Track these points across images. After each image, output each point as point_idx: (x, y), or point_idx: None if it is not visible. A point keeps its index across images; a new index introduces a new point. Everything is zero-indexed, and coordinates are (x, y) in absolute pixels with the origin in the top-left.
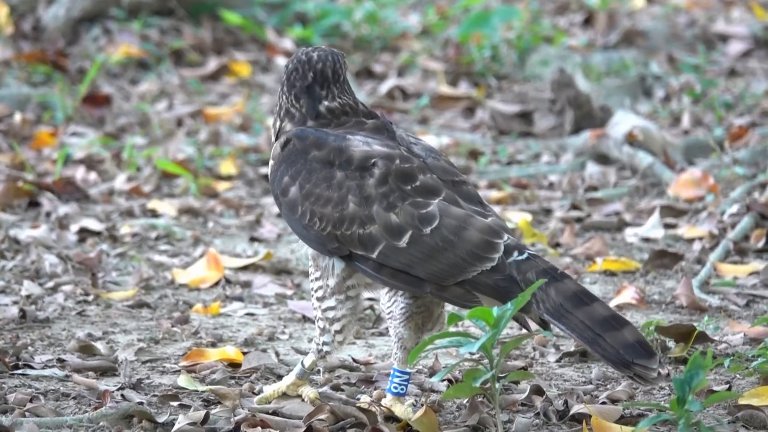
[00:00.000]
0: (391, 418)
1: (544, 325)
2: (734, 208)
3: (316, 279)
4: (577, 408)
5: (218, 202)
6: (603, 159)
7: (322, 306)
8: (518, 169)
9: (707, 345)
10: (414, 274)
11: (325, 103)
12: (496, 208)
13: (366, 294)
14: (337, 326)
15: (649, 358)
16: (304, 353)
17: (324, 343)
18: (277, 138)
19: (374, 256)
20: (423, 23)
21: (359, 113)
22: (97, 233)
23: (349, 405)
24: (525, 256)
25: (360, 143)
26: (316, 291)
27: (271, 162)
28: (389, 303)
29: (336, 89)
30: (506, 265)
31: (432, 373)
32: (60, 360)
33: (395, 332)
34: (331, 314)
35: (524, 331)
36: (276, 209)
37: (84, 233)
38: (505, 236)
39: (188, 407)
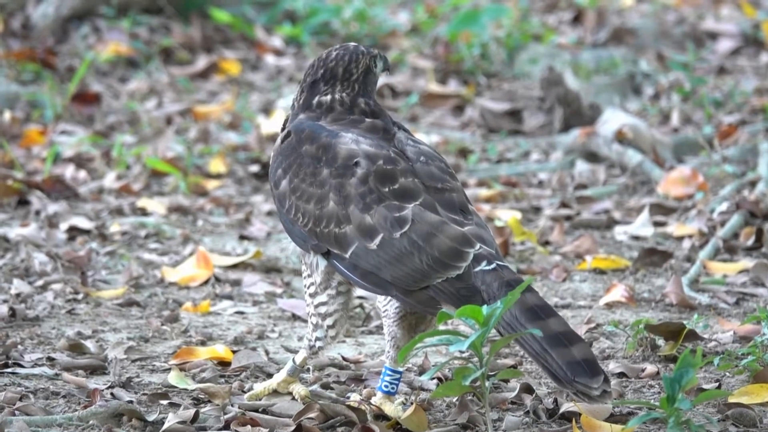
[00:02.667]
0: (380, 416)
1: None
2: (724, 206)
3: (308, 276)
4: (566, 406)
5: (208, 200)
6: (592, 157)
7: (314, 302)
8: (508, 168)
9: (697, 343)
10: (382, 276)
11: (318, 97)
12: (486, 207)
13: (357, 291)
14: (329, 321)
15: (592, 377)
16: (294, 351)
17: (317, 339)
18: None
19: (347, 256)
20: (412, 21)
21: (355, 110)
22: (87, 231)
23: (339, 403)
24: (492, 266)
25: (349, 141)
26: (308, 288)
27: (272, 154)
28: (385, 301)
29: (340, 86)
30: (471, 275)
31: (422, 371)
32: (50, 358)
33: (389, 331)
34: (323, 309)
35: None
36: (265, 207)
37: (73, 232)
38: (478, 245)
39: (178, 406)
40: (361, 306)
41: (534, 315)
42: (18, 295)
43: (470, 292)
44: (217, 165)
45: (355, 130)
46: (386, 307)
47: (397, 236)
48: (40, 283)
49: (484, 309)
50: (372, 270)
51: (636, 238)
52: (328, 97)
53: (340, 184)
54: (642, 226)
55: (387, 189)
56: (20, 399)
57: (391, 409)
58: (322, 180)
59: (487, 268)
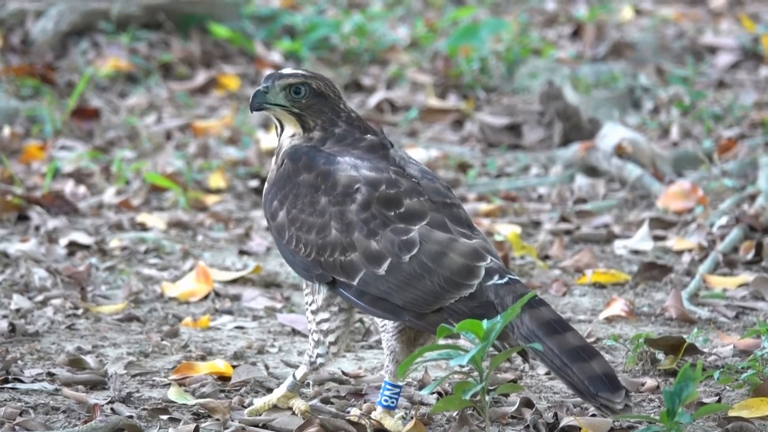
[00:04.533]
0: (380, 431)
1: (523, 354)
2: (723, 220)
3: (309, 293)
4: (566, 420)
5: (207, 215)
6: (592, 171)
7: (316, 319)
8: (507, 182)
9: (697, 357)
10: (393, 301)
11: (312, 121)
12: (485, 221)
13: None
14: (331, 338)
15: (614, 391)
16: (294, 366)
17: (318, 356)
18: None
19: (355, 283)
20: (411, 36)
21: (352, 128)
22: (86, 247)
23: (339, 418)
24: (505, 280)
25: (348, 167)
26: (310, 305)
27: (266, 184)
28: None
29: (330, 108)
30: (484, 291)
31: (422, 385)
32: (50, 374)
33: (388, 345)
34: (325, 326)
35: None
36: (264, 222)
37: (73, 247)
38: (489, 258)
39: (178, 420)
40: (360, 320)
41: (551, 329)
42: (18, 310)
43: (484, 309)
44: (216, 180)
45: (354, 152)
46: (384, 322)
47: (406, 260)
48: (39, 298)
49: (484, 323)
50: (382, 296)
51: (636, 252)
52: (321, 121)
53: (341, 212)
54: (642, 240)
55: (393, 213)
56: (20, 414)
57: (391, 423)
58: (321, 209)
59: (500, 282)
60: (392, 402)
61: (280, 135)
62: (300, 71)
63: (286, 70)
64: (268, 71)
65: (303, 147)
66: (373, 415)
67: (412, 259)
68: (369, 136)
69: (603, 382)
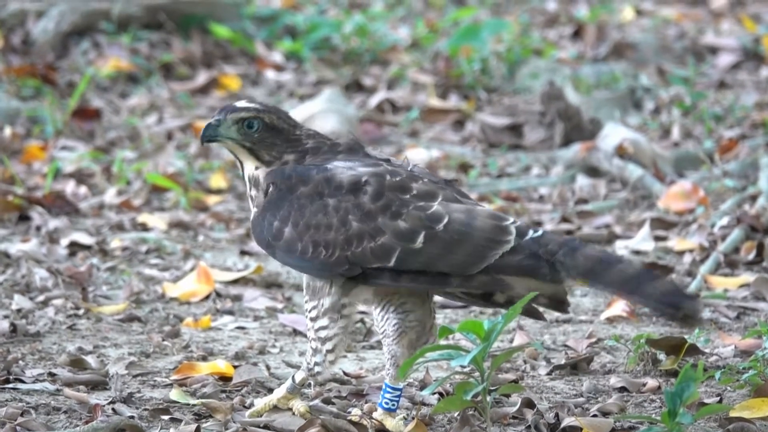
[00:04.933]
0: (382, 431)
1: (560, 307)
2: (724, 221)
3: (310, 300)
4: (568, 421)
5: (208, 215)
6: (593, 171)
7: (315, 326)
8: (508, 182)
9: (698, 357)
10: (436, 270)
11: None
12: None
13: (359, 309)
14: (329, 345)
15: (694, 299)
16: (295, 366)
17: (316, 364)
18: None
19: (391, 264)
20: (413, 36)
21: (324, 139)
22: (88, 247)
23: (340, 418)
24: (540, 233)
25: (344, 169)
26: (309, 311)
27: (254, 210)
28: (382, 322)
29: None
30: (524, 245)
31: (423, 386)
32: (51, 374)
33: (389, 349)
34: (323, 333)
35: (521, 341)
36: None
37: (74, 247)
38: (510, 218)
39: (179, 421)
40: (362, 321)
41: (607, 262)
42: (19, 310)
43: (532, 260)
44: (217, 180)
45: (338, 157)
46: (384, 326)
47: (440, 228)
48: (41, 298)
49: (485, 323)
50: (423, 268)
51: (637, 252)
52: (276, 152)
53: (356, 205)
54: (643, 240)
55: (408, 196)
56: (21, 415)
57: (392, 424)
58: (334, 208)
59: (537, 234)
60: (393, 404)
61: (243, 168)
62: (253, 105)
63: (240, 103)
64: (269, 71)
65: (286, 168)
66: (375, 415)
67: (447, 227)
68: (341, 140)
69: (678, 295)
